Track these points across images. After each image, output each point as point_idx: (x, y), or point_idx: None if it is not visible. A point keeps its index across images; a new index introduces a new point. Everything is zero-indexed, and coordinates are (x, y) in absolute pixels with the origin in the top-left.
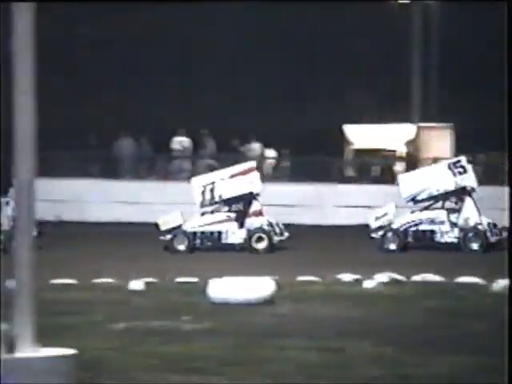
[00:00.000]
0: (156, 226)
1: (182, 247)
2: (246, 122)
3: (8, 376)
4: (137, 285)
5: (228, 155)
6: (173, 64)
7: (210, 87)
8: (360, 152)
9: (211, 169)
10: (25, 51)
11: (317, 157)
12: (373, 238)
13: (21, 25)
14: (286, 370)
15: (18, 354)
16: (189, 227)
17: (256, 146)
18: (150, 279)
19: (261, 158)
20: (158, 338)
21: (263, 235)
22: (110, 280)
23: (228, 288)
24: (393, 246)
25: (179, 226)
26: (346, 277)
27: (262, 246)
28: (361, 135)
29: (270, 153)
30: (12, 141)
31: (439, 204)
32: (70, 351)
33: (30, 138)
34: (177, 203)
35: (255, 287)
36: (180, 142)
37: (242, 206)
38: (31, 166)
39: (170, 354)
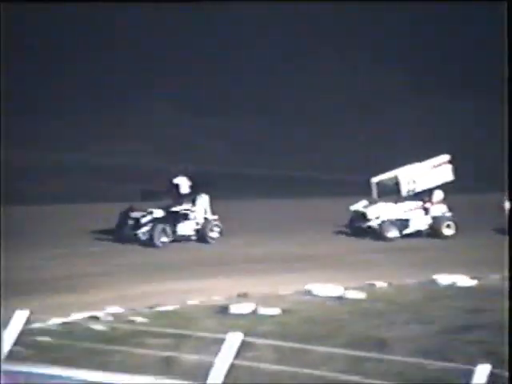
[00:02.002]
0: (363, 214)
1: (392, 234)
2: None
3: None
4: None
5: None
6: None
7: None
8: None
9: None
10: None
11: None
12: None
13: None
14: None
15: None
16: (390, 215)
17: None
18: None
19: None
20: None
21: (451, 222)
22: None
23: None
24: None
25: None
26: None
27: (450, 232)
28: None
29: None
30: None
31: None
32: None
33: None
34: None
35: None
36: None
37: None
38: None
39: None
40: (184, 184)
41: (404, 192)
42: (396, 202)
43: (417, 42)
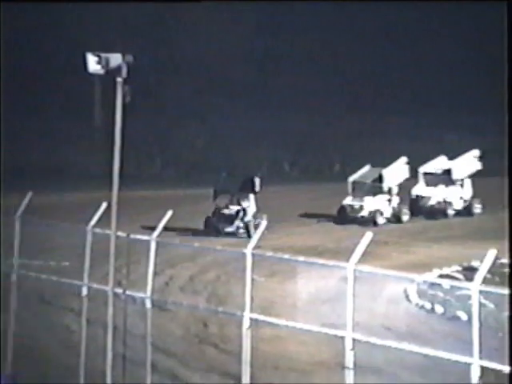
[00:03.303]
0: (360, 207)
1: (380, 221)
2: None
3: None
4: None
5: None
6: None
7: None
8: None
9: None
10: None
11: None
12: None
13: None
14: None
15: None
16: (375, 207)
17: None
18: None
19: None
20: None
21: (407, 211)
22: None
23: None
24: None
25: None
26: None
27: (406, 218)
28: None
29: None
30: None
31: None
32: None
33: None
34: None
35: None
36: None
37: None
38: None
39: None
40: (258, 183)
41: (386, 187)
42: (373, 196)
43: (416, 42)
